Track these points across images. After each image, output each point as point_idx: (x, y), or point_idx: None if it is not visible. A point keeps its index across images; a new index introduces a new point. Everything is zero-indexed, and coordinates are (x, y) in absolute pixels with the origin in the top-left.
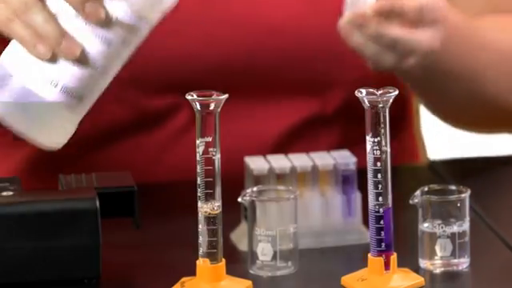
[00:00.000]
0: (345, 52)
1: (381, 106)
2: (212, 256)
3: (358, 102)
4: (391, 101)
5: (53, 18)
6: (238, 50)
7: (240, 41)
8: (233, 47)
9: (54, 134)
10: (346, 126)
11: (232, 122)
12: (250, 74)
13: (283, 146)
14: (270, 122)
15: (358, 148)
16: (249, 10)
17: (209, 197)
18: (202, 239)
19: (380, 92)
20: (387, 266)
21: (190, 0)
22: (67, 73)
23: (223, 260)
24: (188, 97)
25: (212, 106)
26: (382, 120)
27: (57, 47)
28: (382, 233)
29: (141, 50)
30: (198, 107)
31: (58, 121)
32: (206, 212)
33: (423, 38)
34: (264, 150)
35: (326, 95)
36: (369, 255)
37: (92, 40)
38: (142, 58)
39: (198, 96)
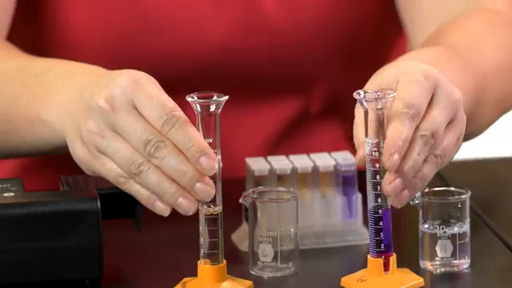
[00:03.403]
0: (324, 48)
1: (379, 107)
2: (213, 257)
3: (343, 98)
4: (390, 102)
5: (166, 175)
6: (217, 49)
7: (218, 40)
8: (213, 46)
9: None
10: (334, 123)
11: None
12: (233, 74)
13: (272, 147)
14: (256, 123)
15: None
16: (225, 10)
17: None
18: (203, 240)
19: (378, 93)
20: (386, 266)
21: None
22: None
23: (224, 261)
24: (189, 98)
25: (212, 108)
26: (380, 121)
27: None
28: (381, 234)
29: (127, 51)
30: (199, 109)
31: None
32: (206, 213)
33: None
34: (253, 151)
35: (310, 92)
36: (368, 256)
37: None
38: (128, 58)
39: (198, 98)
